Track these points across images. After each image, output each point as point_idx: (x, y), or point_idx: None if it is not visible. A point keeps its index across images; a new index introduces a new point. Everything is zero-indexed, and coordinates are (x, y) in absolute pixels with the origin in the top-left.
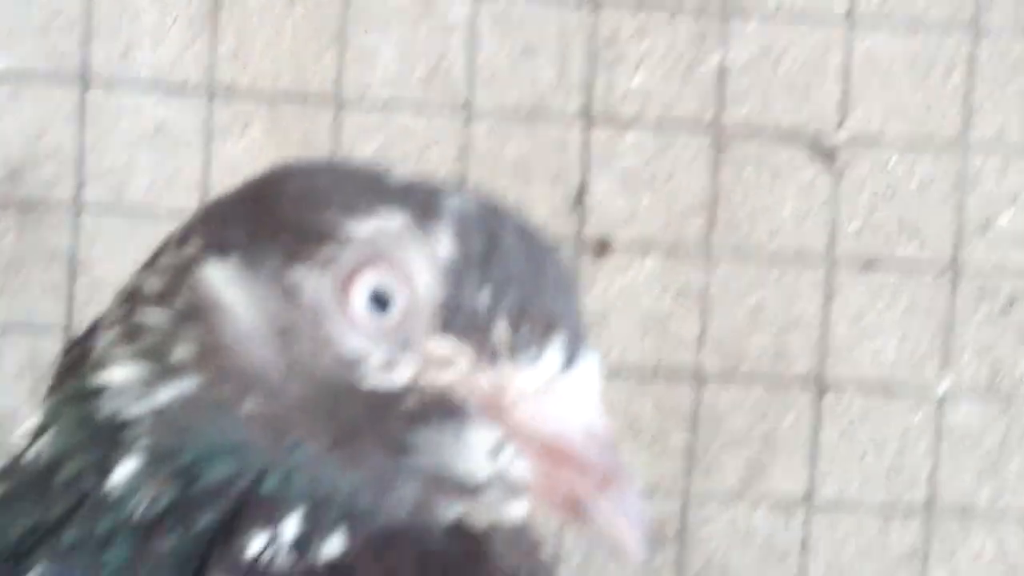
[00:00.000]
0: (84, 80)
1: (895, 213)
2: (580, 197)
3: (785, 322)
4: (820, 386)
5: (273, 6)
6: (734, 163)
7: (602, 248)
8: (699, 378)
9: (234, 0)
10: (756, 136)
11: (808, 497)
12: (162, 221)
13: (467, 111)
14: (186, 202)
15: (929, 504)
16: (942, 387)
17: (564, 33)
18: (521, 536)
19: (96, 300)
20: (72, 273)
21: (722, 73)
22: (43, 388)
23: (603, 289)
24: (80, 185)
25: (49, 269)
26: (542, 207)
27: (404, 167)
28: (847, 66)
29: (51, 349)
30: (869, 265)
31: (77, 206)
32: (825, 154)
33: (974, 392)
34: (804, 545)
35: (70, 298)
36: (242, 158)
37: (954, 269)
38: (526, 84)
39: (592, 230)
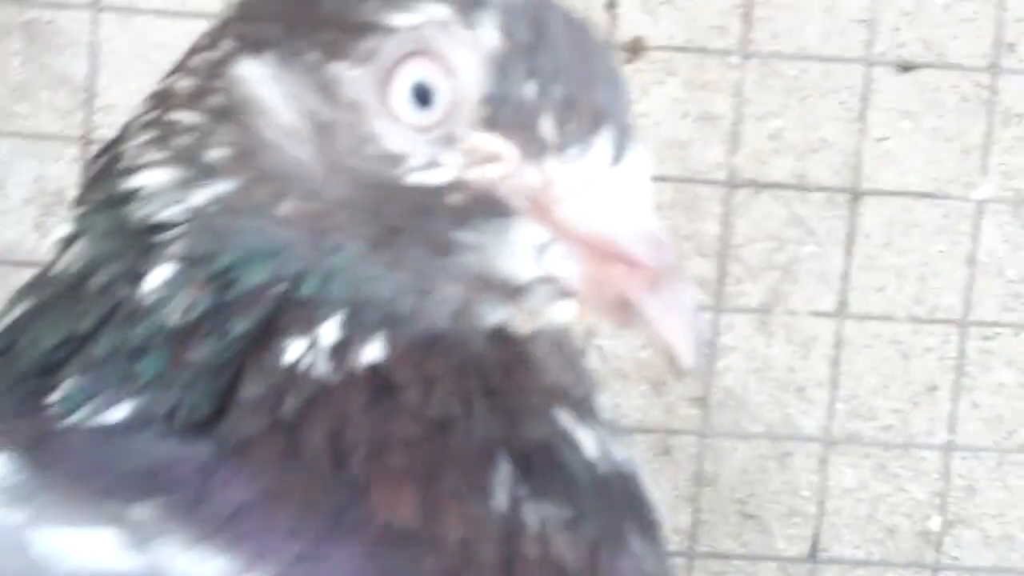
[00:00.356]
0: None
1: (923, 31)
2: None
3: (808, 145)
4: (851, 204)
5: None
6: None
7: (635, 50)
8: (723, 200)
9: None
10: None
11: (833, 327)
12: (174, 46)
13: None
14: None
15: (954, 332)
16: (976, 193)
17: None
18: (564, 345)
19: (106, 125)
20: (83, 98)
21: None
22: (51, 215)
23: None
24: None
25: (58, 94)
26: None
27: None
28: None
29: (59, 175)
30: (904, 71)
31: (90, 26)
32: None
33: (1002, 212)
34: (827, 377)
35: (83, 123)
36: None
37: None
38: None
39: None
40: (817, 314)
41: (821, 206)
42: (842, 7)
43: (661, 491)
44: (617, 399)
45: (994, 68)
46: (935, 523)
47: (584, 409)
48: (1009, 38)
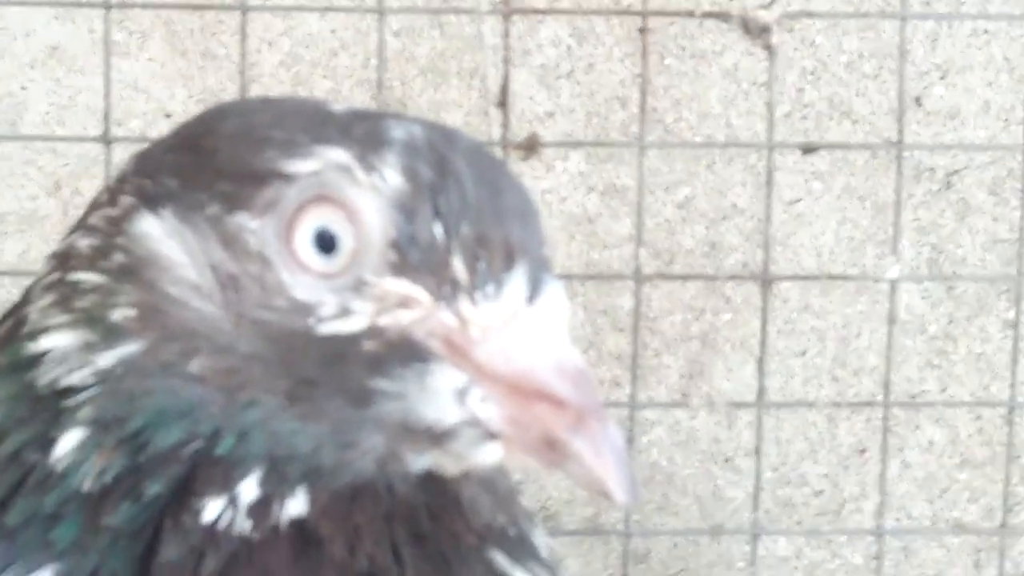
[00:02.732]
0: None
1: (826, 93)
2: (503, 96)
3: (718, 214)
4: (763, 279)
5: None
6: (655, 50)
7: (530, 148)
8: (635, 278)
9: None
10: (678, 17)
11: (756, 396)
12: (61, 150)
13: (376, 11)
14: (86, 127)
15: (877, 397)
16: (890, 272)
17: None
18: (494, 484)
19: (0, 235)
20: None
21: None
22: None
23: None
24: None
25: None
26: (458, 109)
27: (341, 101)
28: None
29: None
30: (805, 148)
31: None
32: (757, 31)
33: (916, 276)
34: (753, 446)
35: None
36: (142, 75)
37: (888, 149)
38: None
39: (516, 130)
40: (739, 383)
41: (736, 271)
42: (743, 71)
43: (592, 570)
44: (542, 478)
45: (901, 123)
46: None
47: (520, 548)
48: (913, 92)
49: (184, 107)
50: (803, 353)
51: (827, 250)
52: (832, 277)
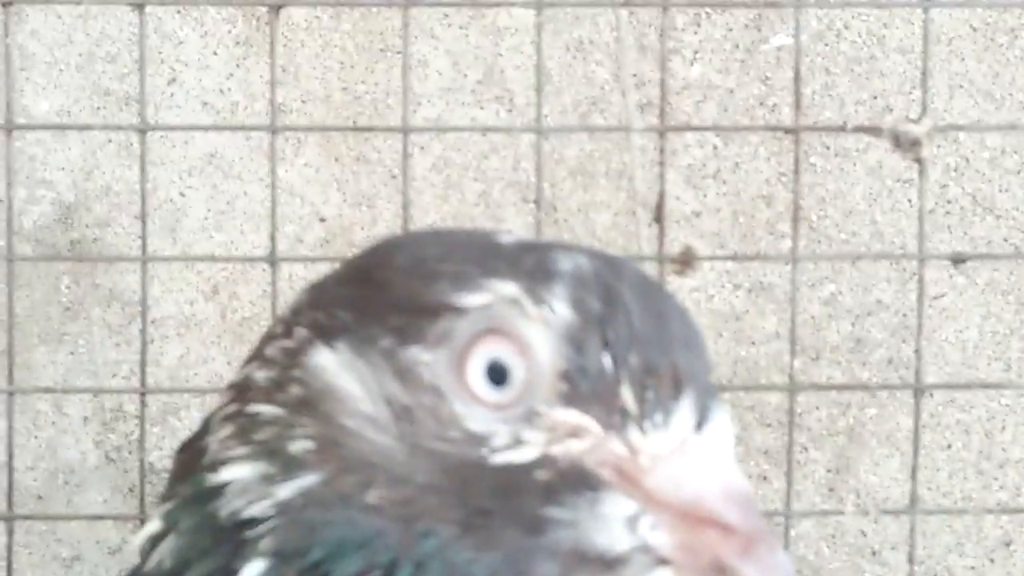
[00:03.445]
0: (132, 114)
1: (970, 189)
2: (658, 212)
3: (863, 310)
4: (915, 388)
5: (319, 22)
6: (800, 149)
7: (685, 262)
8: (788, 388)
9: (277, 19)
10: (826, 125)
11: (909, 501)
12: (220, 254)
13: (524, 117)
14: (244, 232)
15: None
16: None
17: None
18: None
19: (159, 338)
20: (132, 315)
21: (783, 59)
22: (111, 432)
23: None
24: (134, 223)
25: (108, 312)
26: (606, 210)
27: (511, 231)
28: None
29: (115, 394)
30: (955, 259)
31: (132, 245)
32: (908, 145)
33: None
34: (899, 539)
35: (131, 340)
36: (297, 180)
37: None
38: (582, 84)
39: (669, 242)
40: (885, 477)
41: (881, 367)
42: (888, 167)
43: None
44: None
45: None
46: None
47: None
48: None
49: (338, 211)
50: (948, 447)
51: (971, 345)
52: (984, 386)
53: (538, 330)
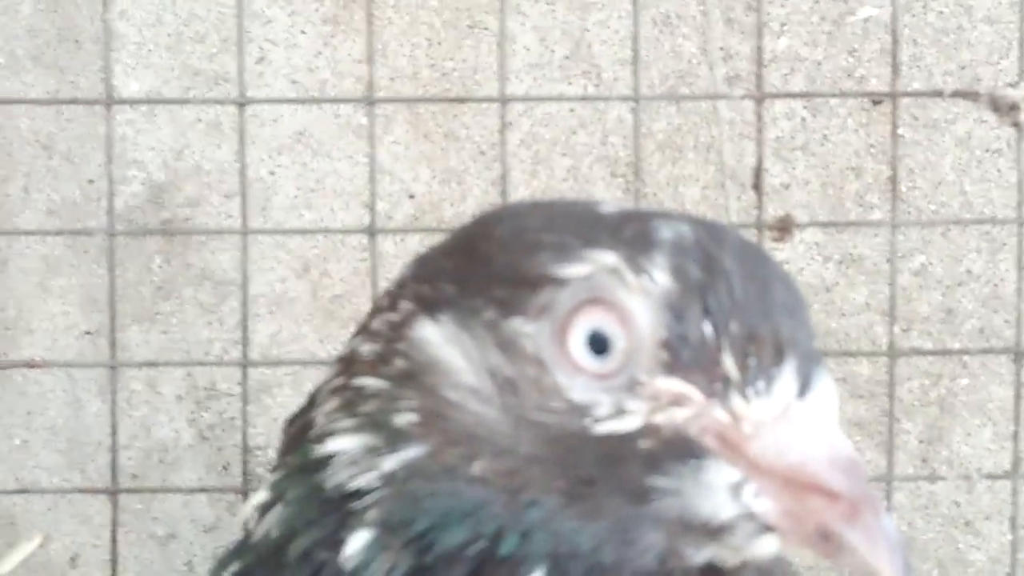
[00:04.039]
0: (221, 94)
1: None
2: (756, 179)
3: (953, 281)
4: (1016, 351)
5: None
6: (888, 120)
7: (784, 229)
8: (872, 346)
9: None
10: (927, 98)
11: (1011, 466)
12: (311, 232)
13: (611, 91)
14: (333, 210)
15: None
16: None
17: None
18: (773, 572)
19: (251, 316)
20: (224, 293)
21: (870, 30)
22: (205, 410)
23: None
24: (225, 202)
25: (200, 291)
26: (695, 184)
27: (612, 200)
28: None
29: (208, 372)
30: None
31: (223, 224)
32: (1006, 109)
33: None
34: (993, 510)
35: (223, 319)
36: (386, 158)
37: None
38: (669, 58)
39: (768, 211)
40: (978, 447)
41: (973, 337)
42: (976, 138)
43: None
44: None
45: None
46: None
47: None
48: None
49: (428, 188)
50: None
51: None
52: None
53: (638, 299)
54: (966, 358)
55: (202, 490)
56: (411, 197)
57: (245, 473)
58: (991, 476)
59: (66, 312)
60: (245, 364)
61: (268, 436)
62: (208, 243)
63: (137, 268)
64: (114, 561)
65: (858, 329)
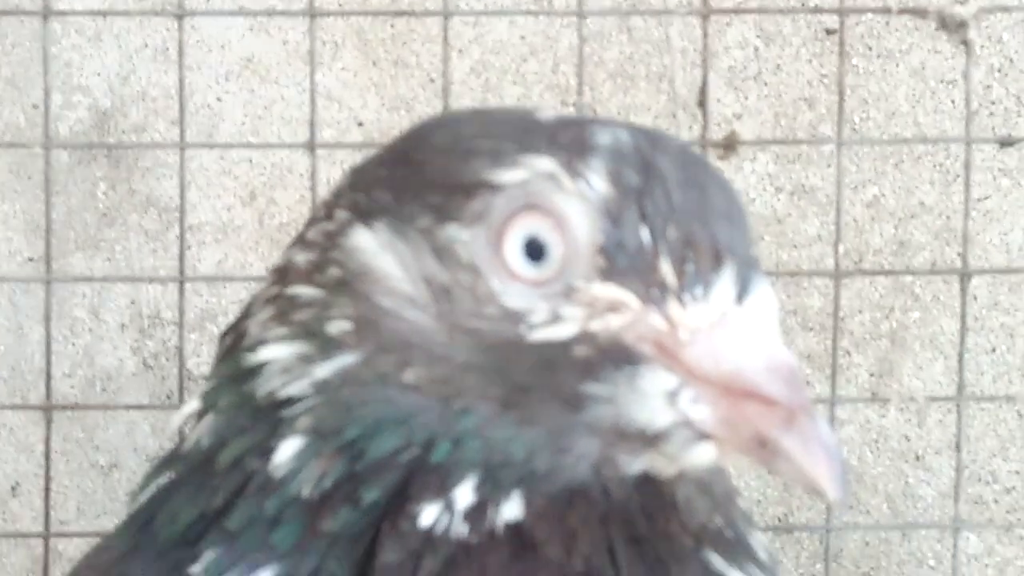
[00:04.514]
0: (168, 17)
1: (1015, 90)
2: (701, 96)
3: (906, 213)
4: (961, 273)
5: None
6: (844, 53)
7: (729, 147)
8: (833, 280)
9: None
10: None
11: (956, 390)
12: (258, 159)
13: (563, 17)
14: (281, 137)
15: None
16: None
17: None
18: (712, 485)
19: (197, 244)
20: (170, 221)
21: None
22: (149, 339)
23: None
24: (171, 128)
25: (145, 218)
26: (646, 113)
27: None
28: None
29: (153, 299)
30: (1003, 142)
31: (170, 149)
32: (954, 27)
33: None
34: (943, 444)
35: (168, 247)
36: (335, 85)
37: None
38: None
39: (712, 132)
40: (929, 381)
41: (925, 271)
42: (930, 69)
43: (783, 569)
44: (735, 479)
45: None
46: None
47: (736, 550)
48: None
49: (377, 115)
50: (993, 350)
51: (1016, 247)
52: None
53: (575, 205)
54: (917, 290)
55: (144, 416)
56: (360, 124)
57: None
58: (934, 398)
59: (8, 238)
60: (181, 280)
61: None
62: (154, 169)
63: (81, 194)
64: (47, 489)
65: (809, 260)
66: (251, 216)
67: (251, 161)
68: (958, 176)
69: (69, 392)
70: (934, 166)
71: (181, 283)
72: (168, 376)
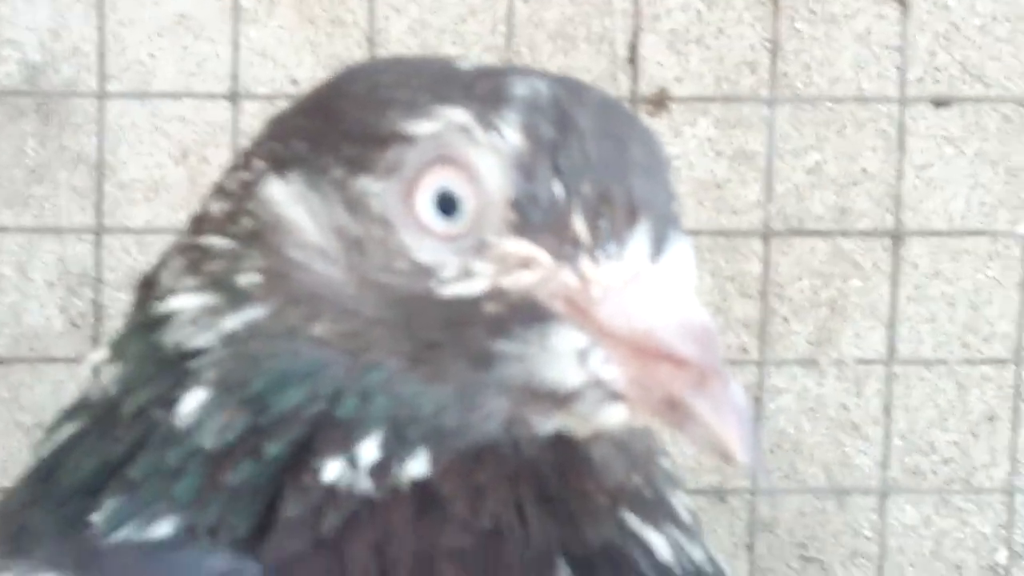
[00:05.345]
0: None
1: (958, 55)
2: (632, 55)
3: (848, 179)
4: (893, 235)
5: None
6: (786, 14)
7: (659, 103)
8: (763, 242)
9: None
10: None
11: (884, 362)
12: (189, 117)
13: None
14: (213, 95)
15: (1010, 361)
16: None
17: None
18: (630, 444)
19: (126, 202)
20: (99, 176)
21: None
22: (77, 297)
23: None
24: (102, 83)
25: (75, 173)
26: (586, 74)
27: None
28: None
29: (82, 256)
30: (937, 102)
31: (100, 105)
32: None
33: None
34: (881, 413)
35: (99, 203)
36: (269, 42)
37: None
38: None
39: (646, 88)
40: (867, 350)
41: (865, 239)
42: (875, 34)
43: (718, 539)
44: (668, 447)
45: None
46: (1002, 556)
47: (655, 510)
48: None
49: (311, 74)
50: (933, 319)
51: (959, 215)
52: (965, 233)
53: (487, 157)
54: (858, 258)
55: (71, 375)
56: (294, 83)
57: None
58: (864, 362)
59: None
60: (98, 230)
61: None
62: (84, 126)
63: (11, 150)
64: None
65: (749, 225)
66: (182, 174)
67: (183, 119)
68: (902, 143)
69: None
70: (877, 132)
71: (98, 238)
72: (96, 335)
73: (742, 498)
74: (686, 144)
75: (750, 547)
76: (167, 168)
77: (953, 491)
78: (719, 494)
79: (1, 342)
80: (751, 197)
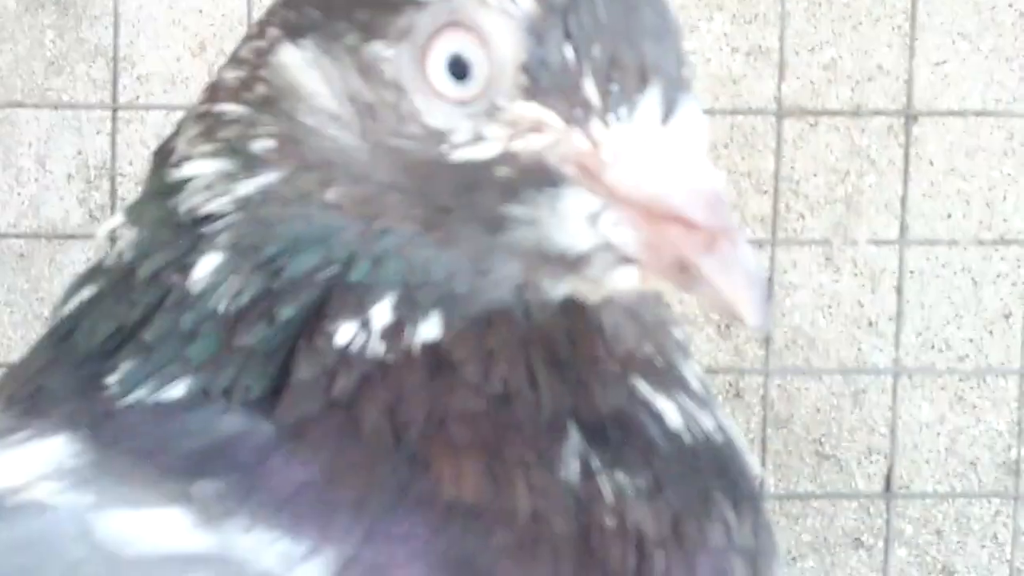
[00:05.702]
0: None
1: None
2: None
3: (863, 76)
4: (909, 137)
5: None
6: None
7: None
8: (777, 141)
9: None
10: None
11: (899, 258)
12: (207, 10)
13: None
14: None
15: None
16: None
17: None
18: (642, 312)
19: (143, 95)
20: (118, 70)
21: None
22: (95, 189)
23: None
24: None
25: (94, 66)
26: None
27: None
28: None
29: (101, 148)
30: None
31: None
32: None
33: None
34: (896, 310)
35: (116, 95)
36: None
37: None
38: None
39: None
40: (883, 244)
41: (880, 135)
42: None
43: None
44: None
45: None
46: (1017, 453)
47: (666, 378)
48: None
49: None
50: (948, 216)
51: (974, 112)
52: (980, 130)
53: (499, 21)
54: (873, 155)
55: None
56: None
57: None
58: (878, 242)
59: None
60: (116, 121)
61: None
62: (102, 18)
63: (29, 42)
64: None
65: (765, 123)
66: (200, 66)
67: (200, 11)
68: (917, 39)
69: (15, 243)
70: (892, 29)
71: (115, 128)
72: None
73: (757, 395)
74: (702, 39)
75: (766, 442)
76: (184, 60)
77: (968, 388)
78: (735, 392)
79: (21, 235)
80: (767, 93)
